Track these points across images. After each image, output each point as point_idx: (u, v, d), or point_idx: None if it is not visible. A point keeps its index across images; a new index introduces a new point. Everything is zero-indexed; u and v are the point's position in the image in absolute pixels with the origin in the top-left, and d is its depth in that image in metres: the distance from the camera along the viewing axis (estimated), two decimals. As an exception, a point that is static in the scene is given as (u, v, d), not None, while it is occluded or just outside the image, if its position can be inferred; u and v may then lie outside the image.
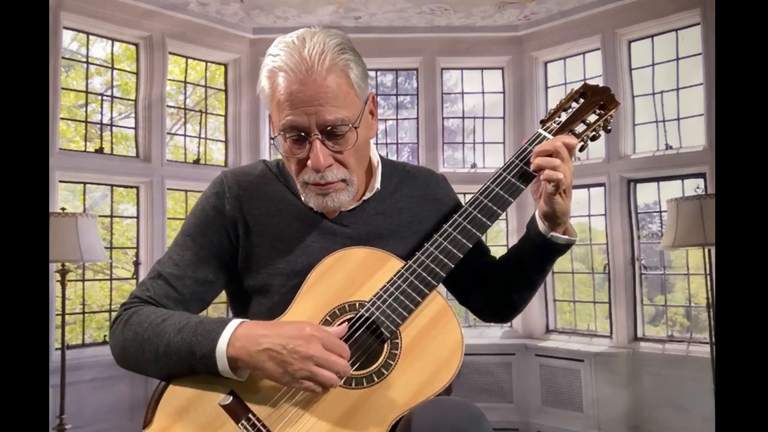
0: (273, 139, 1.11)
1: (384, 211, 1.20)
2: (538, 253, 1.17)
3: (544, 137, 1.14)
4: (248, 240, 1.15)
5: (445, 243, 1.09)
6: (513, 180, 1.11)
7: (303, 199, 1.15)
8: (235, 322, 1.01)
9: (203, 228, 1.16)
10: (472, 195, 1.14)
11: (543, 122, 1.18)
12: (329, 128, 1.04)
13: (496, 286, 1.25)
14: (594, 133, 1.17)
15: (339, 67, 1.04)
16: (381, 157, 1.26)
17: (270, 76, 1.06)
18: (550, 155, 1.07)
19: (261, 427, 0.98)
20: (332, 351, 0.96)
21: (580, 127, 1.16)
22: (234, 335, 0.98)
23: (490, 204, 1.11)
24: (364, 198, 1.19)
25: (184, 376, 1.03)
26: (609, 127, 1.19)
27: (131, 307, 1.10)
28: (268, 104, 1.09)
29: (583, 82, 1.23)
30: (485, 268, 1.27)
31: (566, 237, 1.14)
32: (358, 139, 1.08)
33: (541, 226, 1.14)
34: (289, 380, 0.96)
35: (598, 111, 1.17)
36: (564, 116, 1.17)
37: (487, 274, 1.26)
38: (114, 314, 1.12)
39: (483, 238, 1.17)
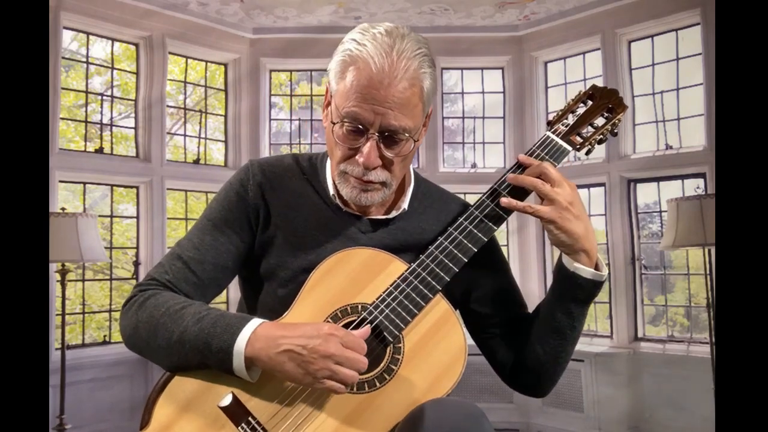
0: (324, 111, 1.11)
1: (406, 227, 1.17)
2: (560, 288, 1.10)
3: (552, 140, 1.13)
4: (266, 229, 1.15)
5: (450, 247, 1.07)
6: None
7: (334, 195, 1.14)
8: (256, 321, 0.99)
9: (225, 214, 1.15)
10: (479, 196, 1.12)
11: (550, 123, 1.17)
12: (389, 133, 1.04)
13: (524, 339, 1.15)
14: (601, 136, 1.16)
15: (418, 78, 1.03)
16: (416, 176, 1.23)
17: (348, 60, 1.04)
18: (531, 184, 1.06)
19: (261, 431, 0.97)
20: (351, 348, 0.95)
21: (587, 131, 1.15)
22: (254, 335, 0.97)
23: (495, 207, 1.09)
24: (389, 216, 1.16)
25: (191, 369, 1.02)
26: (616, 131, 1.17)
27: (148, 289, 1.08)
28: (334, 85, 1.07)
29: (592, 84, 1.21)
30: (517, 321, 1.19)
31: (592, 270, 1.06)
32: (411, 151, 1.09)
33: (564, 257, 1.09)
34: (311, 380, 0.95)
35: (605, 114, 1.16)
36: (572, 118, 1.16)
37: (517, 328, 1.18)
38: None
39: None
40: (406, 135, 1.05)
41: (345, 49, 1.05)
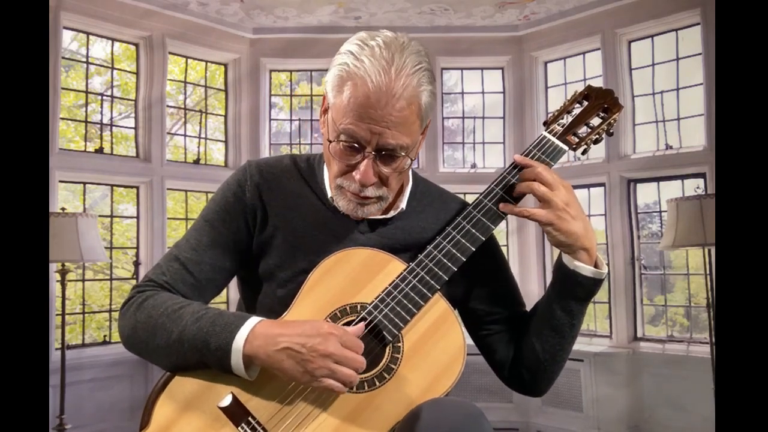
0: (322, 117, 1.11)
1: (404, 227, 1.17)
2: (560, 286, 1.10)
3: (548, 140, 1.14)
4: (264, 230, 1.15)
5: (448, 246, 1.07)
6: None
7: (331, 197, 1.13)
8: (254, 319, 0.99)
9: (223, 214, 1.15)
10: (478, 194, 1.12)
11: (546, 124, 1.17)
12: (386, 151, 1.04)
13: (522, 337, 1.16)
14: (597, 136, 1.16)
15: (416, 96, 1.02)
16: (415, 176, 1.23)
17: (344, 76, 1.02)
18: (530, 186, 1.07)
19: (261, 431, 0.97)
20: (349, 348, 0.95)
21: (583, 130, 1.16)
22: (252, 333, 0.97)
23: (492, 207, 1.10)
24: (387, 216, 1.16)
25: (190, 369, 1.02)
26: (612, 131, 1.18)
27: (146, 290, 1.09)
28: (331, 97, 1.05)
29: (587, 84, 1.22)
30: (516, 319, 1.20)
31: (592, 268, 1.06)
32: (407, 166, 1.09)
33: (564, 255, 1.09)
34: (309, 379, 0.95)
35: (601, 114, 1.17)
36: (568, 119, 1.17)
37: (516, 326, 1.19)
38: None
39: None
40: (403, 153, 1.05)
41: (342, 63, 1.03)
